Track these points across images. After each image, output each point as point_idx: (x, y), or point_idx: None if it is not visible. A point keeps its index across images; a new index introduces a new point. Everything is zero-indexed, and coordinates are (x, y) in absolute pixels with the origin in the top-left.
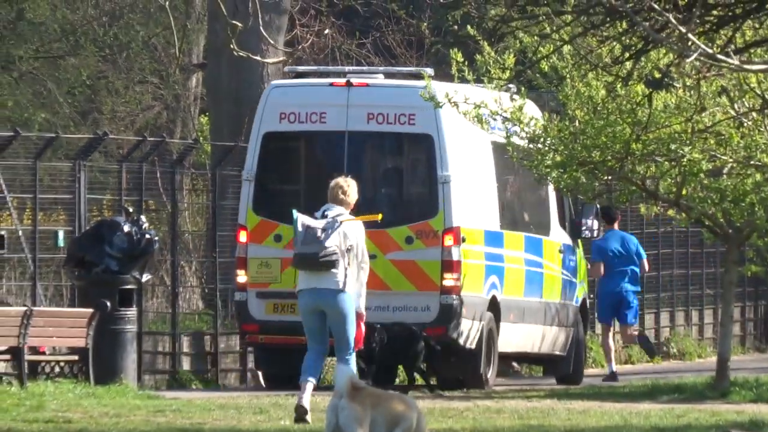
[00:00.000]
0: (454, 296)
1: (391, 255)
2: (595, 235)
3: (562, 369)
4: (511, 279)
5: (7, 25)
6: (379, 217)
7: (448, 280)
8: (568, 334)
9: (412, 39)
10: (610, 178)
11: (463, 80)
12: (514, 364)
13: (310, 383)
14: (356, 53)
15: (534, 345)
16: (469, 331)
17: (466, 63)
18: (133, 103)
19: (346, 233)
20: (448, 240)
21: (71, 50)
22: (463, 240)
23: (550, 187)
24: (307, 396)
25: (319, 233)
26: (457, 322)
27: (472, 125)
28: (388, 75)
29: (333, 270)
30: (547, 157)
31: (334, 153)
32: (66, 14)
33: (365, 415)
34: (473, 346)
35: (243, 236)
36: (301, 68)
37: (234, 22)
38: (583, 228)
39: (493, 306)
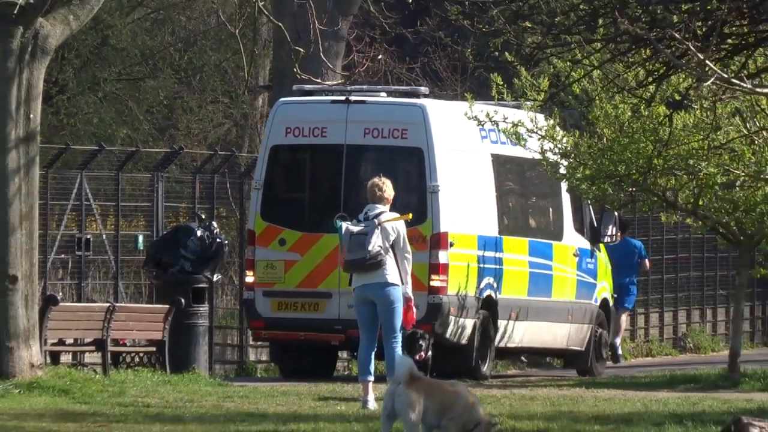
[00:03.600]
0: (441, 296)
1: None
2: (613, 240)
3: (581, 363)
4: (511, 280)
5: (93, 50)
6: (410, 216)
7: (435, 281)
8: (584, 330)
9: (457, 64)
10: (634, 189)
11: (502, 101)
12: (523, 357)
13: (370, 383)
14: (406, 77)
15: (544, 341)
16: (458, 327)
17: (505, 86)
18: (206, 121)
19: (387, 230)
20: (435, 244)
21: (150, 73)
22: (451, 244)
23: (565, 197)
24: (371, 396)
25: (362, 239)
26: (444, 320)
27: (468, 139)
28: (389, 93)
29: (380, 268)
30: (577, 171)
31: (334, 165)
32: (146, 40)
33: (419, 402)
34: (464, 341)
35: (251, 240)
36: (307, 87)
37: (297, 48)
38: (605, 234)
39: (489, 304)
